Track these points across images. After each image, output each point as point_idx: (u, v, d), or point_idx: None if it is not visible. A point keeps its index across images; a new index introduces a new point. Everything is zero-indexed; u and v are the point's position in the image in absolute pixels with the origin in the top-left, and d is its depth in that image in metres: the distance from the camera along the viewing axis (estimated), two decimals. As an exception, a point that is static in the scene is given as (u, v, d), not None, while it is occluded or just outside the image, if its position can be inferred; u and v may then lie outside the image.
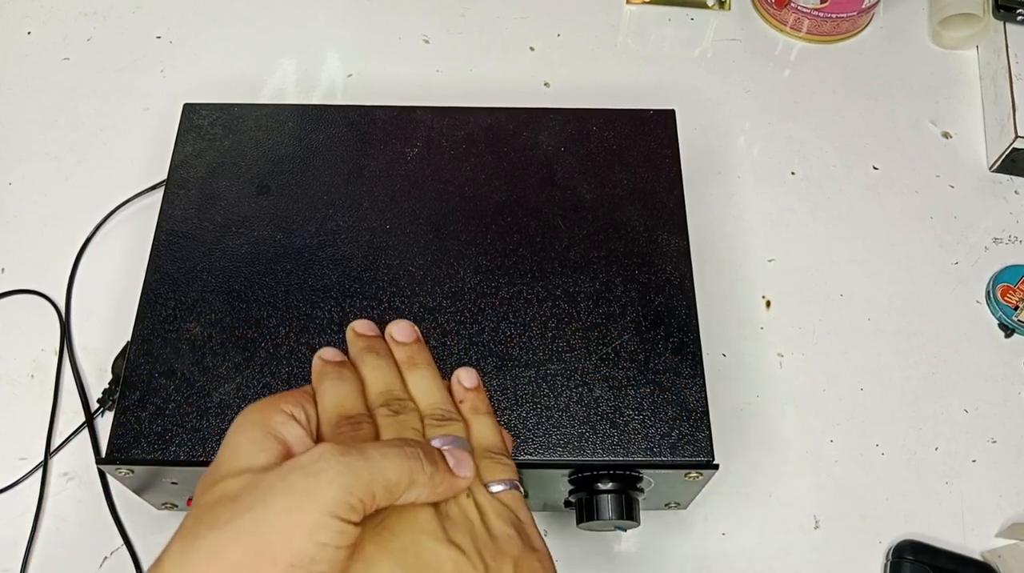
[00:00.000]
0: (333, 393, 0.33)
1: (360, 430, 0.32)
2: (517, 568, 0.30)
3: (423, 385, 0.35)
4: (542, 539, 0.32)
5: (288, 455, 0.29)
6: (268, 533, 0.26)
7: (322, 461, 0.28)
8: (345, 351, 0.35)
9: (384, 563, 0.28)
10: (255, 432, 0.30)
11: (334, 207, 0.50)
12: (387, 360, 0.35)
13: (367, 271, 0.47)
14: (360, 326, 0.36)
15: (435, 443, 0.32)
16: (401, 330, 0.36)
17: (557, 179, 0.51)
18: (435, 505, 0.30)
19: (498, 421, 0.36)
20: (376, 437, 0.32)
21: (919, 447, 0.54)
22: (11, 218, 0.60)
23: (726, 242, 0.60)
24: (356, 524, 0.28)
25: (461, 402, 0.35)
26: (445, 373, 0.44)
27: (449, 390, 0.36)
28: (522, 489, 0.34)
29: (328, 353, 0.35)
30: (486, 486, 0.32)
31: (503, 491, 0.32)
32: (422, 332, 0.45)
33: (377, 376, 0.34)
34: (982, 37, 0.69)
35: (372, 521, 0.29)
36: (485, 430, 0.35)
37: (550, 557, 0.32)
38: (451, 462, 0.31)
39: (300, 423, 0.31)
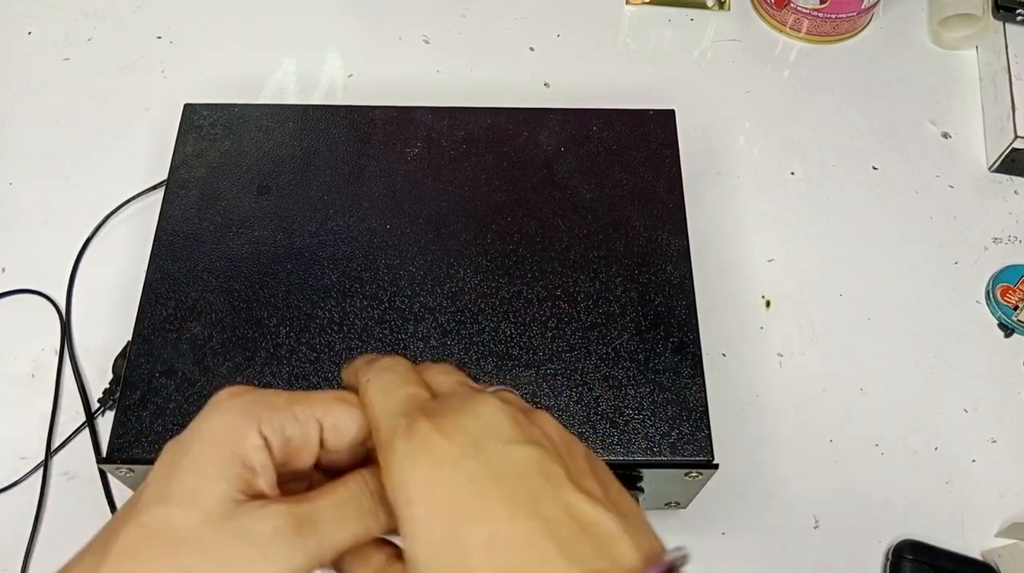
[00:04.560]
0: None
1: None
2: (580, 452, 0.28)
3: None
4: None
5: (250, 488, 0.26)
6: None
7: (275, 538, 0.25)
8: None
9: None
10: (222, 450, 0.26)
11: (334, 207, 0.50)
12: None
13: (367, 271, 0.48)
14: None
15: None
16: None
17: (557, 179, 0.51)
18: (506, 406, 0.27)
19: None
20: None
21: (919, 447, 0.54)
22: (12, 218, 0.60)
23: (726, 242, 0.60)
24: None
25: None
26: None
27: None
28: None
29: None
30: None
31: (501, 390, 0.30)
32: (422, 332, 0.45)
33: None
34: (982, 37, 0.69)
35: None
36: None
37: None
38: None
39: (273, 451, 0.27)
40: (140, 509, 0.26)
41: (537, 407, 0.43)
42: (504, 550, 0.24)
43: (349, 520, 0.27)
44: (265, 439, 0.27)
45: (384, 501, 0.27)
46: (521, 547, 0.24)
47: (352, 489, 0.28)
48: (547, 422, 0.28)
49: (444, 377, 0.30)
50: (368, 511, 0.27)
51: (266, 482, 0.27)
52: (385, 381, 0.29)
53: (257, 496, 0.26)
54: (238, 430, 0.27)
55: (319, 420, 0.28)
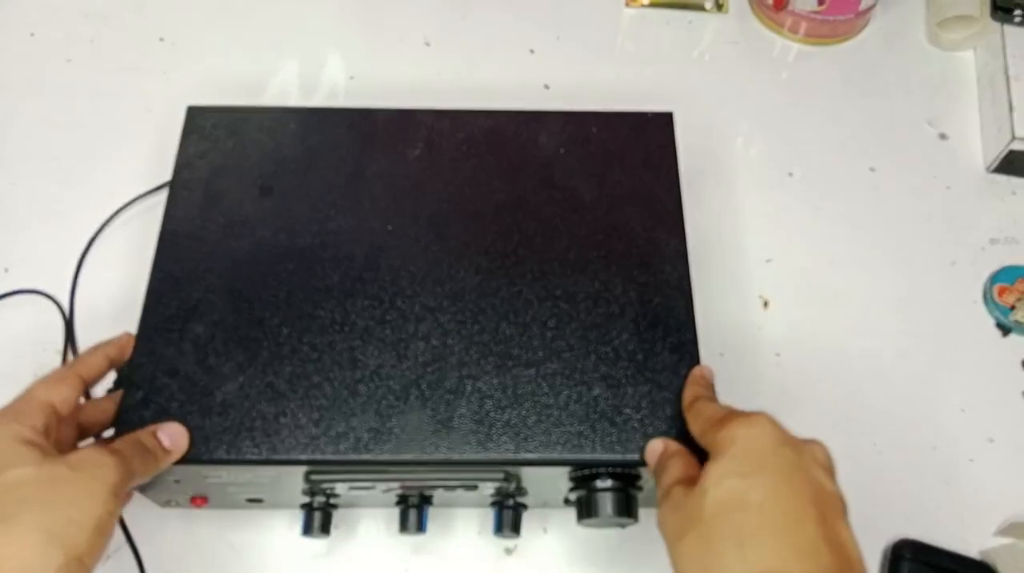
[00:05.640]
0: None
1: None
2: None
3: None
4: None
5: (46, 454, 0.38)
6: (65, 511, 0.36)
7: (103, 456, 0.38)
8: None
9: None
10: (9, 443, 0.37)
11: (336, 208, 0.50)
12: None
13: (368, 271, 0.48)
14: None
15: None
16: None
17: (557, 180, 0.52)
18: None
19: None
20: None
21: (917, 446, 0.54)
22: (15, 218, 0.61)
23: (724, 242, 0.61)
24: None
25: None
26: (447, 371, 0.45)
27: None
28: None
29: None
30: None
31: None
32: (423, 332, 0.46)
33: None
34: (980, 38, 0.69)
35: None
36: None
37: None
38: (165, 442, 0.42)
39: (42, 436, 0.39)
40: None
41: (537, 405, 0.43)
42: (778, 504, 0.35)
43: (135, 453, 0.40)
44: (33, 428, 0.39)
45: (151, 445, 0.41)
46: (791, 510, 0.35)
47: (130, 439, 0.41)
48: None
49: None
50: (143, 452, 0.41)
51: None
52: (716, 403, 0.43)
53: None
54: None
55: (49, 402, 0.40)
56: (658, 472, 0.41)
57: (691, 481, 0.38)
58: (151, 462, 0.41)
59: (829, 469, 0.38)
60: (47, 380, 0.42)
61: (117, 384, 0.52)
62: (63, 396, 0.41)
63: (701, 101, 0.67)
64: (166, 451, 0.42)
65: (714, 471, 0.37)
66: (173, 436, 0.42)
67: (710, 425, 0.40)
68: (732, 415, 0.39)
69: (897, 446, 0.54)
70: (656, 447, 0.43)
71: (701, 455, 0.40)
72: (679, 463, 0.40)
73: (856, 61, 0.70)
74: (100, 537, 0.36)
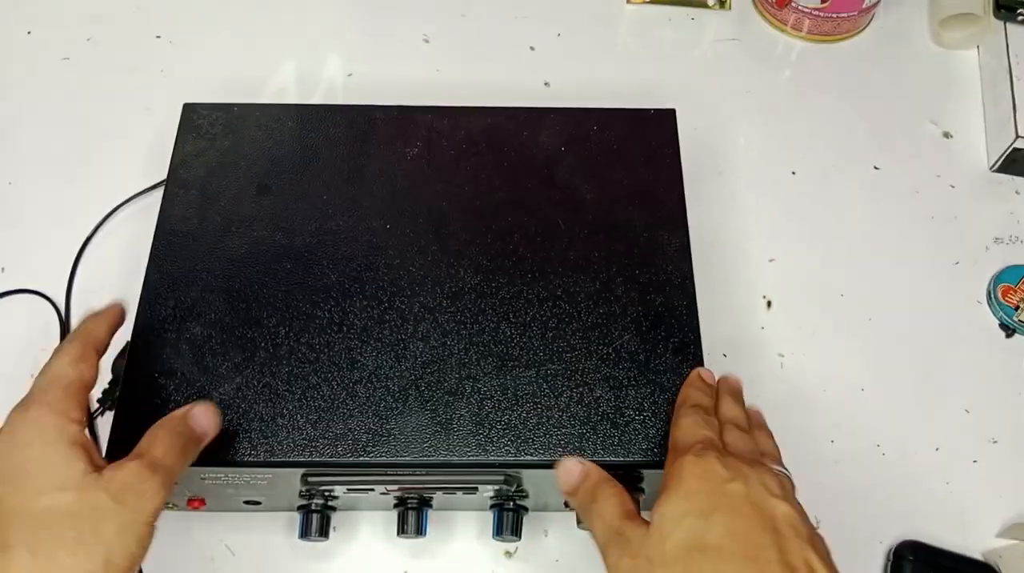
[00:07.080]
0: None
1: None
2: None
3: None
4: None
5: (92, 460, 0.36)
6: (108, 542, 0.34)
7: (145, 483, 0.36)
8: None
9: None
10: (57, 447, 0.36)
11: (334, 207, 0.50)
12: None
13: (367, 271, 0.48)
14: None
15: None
16: None
17: (557, 179, 0.51)
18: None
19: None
20: None
21: (920, 447, 0.54)
22: (11, 218, 0.60)
23: (727, 242, 0.60)
24: None
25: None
26: (446, 372, 0.45)
27: None
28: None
29: None
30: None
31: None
32: (422, 332, 0.45)
33: None
34: (982, 37, 0.69)
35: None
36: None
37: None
38: (200, 425, 0.40)
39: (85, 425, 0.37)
40: (12, 510, 0.34)
41: (538, 406, 0.43)
42: (737, 542, 0.35)
43: (177, 454, 0.38)
44: (80, 421, 0.37)
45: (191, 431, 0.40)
46: (750, 546, 0.35)
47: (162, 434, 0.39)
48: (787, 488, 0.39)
49: (730, 410, 0.44)
50: (182, 446, 0.39)
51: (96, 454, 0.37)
52: (693, 418, 0.41)
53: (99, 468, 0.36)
54: (58, 424, 0.37)
55: (82, 381, 0.39)
56: (582, 500, 0.40)
57: (633, 516, 0.38)
58: (192, 455, 0.39)
59: (782, 493, 0.38)
60: (69, 355, 0.39)
61: (112, 384, 0.52)
62: (90, 375, 0.39)
63: (703, 99, 0.67)
64: (199, 439, 0.40)
65: (669, 510, 0.36)
66: (208, 419, 0.40)
67: (674, 446, 0.40)
68: (686, 449, 0.39)
69: (900, 447, 0.54)
70: (572, 469, 0.41)
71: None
72: (616, 495, 0.39)
73: (859, 59, 0.70)
74: (131, 571, 0.35)
